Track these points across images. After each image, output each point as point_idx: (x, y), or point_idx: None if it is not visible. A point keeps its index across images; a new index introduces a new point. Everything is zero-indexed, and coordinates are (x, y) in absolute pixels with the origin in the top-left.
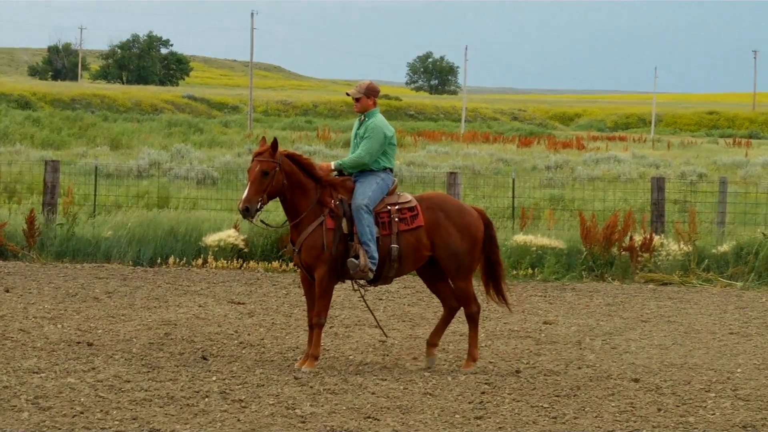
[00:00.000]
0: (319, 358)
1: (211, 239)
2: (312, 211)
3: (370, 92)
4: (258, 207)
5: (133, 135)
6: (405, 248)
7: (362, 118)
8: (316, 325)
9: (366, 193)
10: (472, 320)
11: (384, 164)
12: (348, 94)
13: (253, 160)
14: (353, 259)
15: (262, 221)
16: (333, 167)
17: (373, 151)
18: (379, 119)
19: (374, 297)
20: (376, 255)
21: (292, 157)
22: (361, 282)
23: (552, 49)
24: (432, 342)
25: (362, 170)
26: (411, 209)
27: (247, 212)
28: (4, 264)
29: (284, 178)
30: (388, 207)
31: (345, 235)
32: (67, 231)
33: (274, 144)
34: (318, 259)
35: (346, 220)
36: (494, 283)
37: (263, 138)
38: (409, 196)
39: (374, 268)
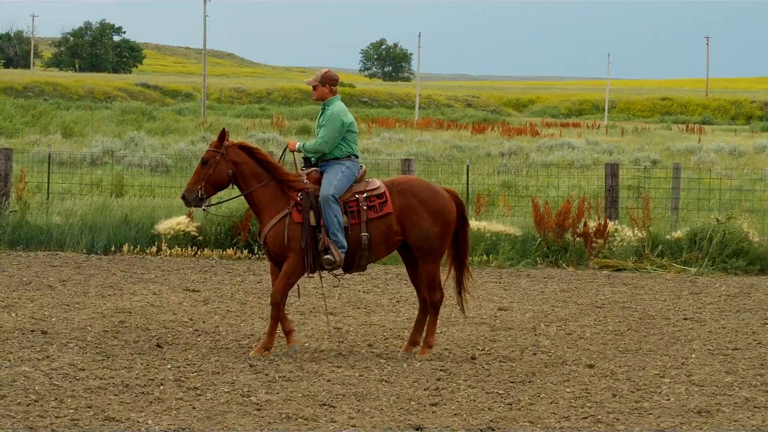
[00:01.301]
0: (269, 349)
1: (164, 227)
2: (276, 202)
3: (326, 80)
4: (199, 195)
5: (86, 123)
6: (375, 236)
7: (324, 106)
8: (273, 304)
9: (331, 183)
10: (434, 308)
11: (347, 151)
12: (305, 83)
13: None
14: (329, 256)
15: (204, 209)
16: (297, 147)
17: (328, 138)
18: (337, 107)
19: (330, 284)
20: (345, 244)
21: (246, 148)
22: (337, 271)
23: (506, 36)
24: (413, 340)
25: (327, 159)
26: (380, 196)
27: (185, 201)
28: None
29: (229, 168)
30: (356, 195)
31: (313, 227)
32: (20, 219)
33: (221, 134)
34: (285, 249)
35: (313, 212)
36: (458, 266)
37: (223, 129)
38: (377, 183)
39: (344, 253)
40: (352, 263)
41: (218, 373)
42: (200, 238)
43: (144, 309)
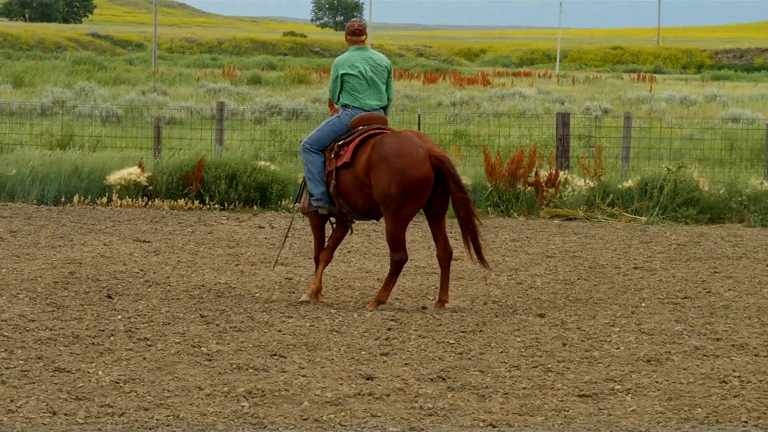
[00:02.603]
0: (320, 291)
1: (115, 177)
2: None
3: (346, 31)
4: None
5: (37, 73)
6: (341, 184)
7: None
8: (315, 259)
9: (311, 133)
10: (394, 269)
11: (343, 101)
12: None
13: None
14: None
15: None
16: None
17: (329, 87)
18: (338, 58)
19: (280, 234)
20: (318, 190)
21: None
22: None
23: None
24: (441, 299)
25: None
26: (348, 145)
27: None
28: None
29: None
30: (333, 144)
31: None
32: None
33: None
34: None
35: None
36: (472, 236)
37: None
38: (359, 136)
39: (323, 203)
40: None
41: (169, 323)
42: (151, 188)
43: (94, 260)
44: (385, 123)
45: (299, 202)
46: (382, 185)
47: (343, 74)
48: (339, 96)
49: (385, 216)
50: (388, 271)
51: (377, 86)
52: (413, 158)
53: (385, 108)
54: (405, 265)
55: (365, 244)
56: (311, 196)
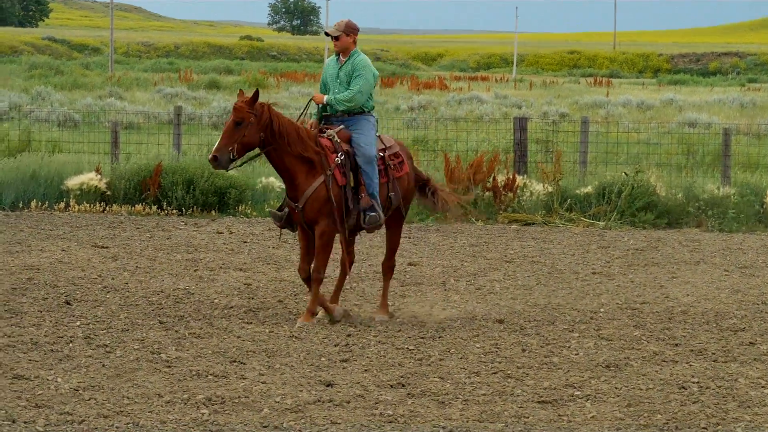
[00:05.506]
0: (315, 315)
1: (73, 182)
2: (311, 164)
3: (350, 30)
4: (230, 157)
5: None
6: (397, 195)
7: (340, 57)
8: (314, 281)
9: (371, 142)
10: (389, 273)
11: (372, 104)
12: (327, 34)
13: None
14: (374, 214)
15: (230, 169)
16: (325, 101)
17: (365, 90)
18: (366, 59)
19: (239, 240)
20: (378, 203)
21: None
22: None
23: None
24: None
25: (354, 113)
26: (396, 155)
27: (217, 162)
28: None
29: (262, 131)
30: (380, 153)
31: (352, 188)
32: None
33: (255, 94)
34: (321, 213)
35: (352, 173)
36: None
37: (240, 90)
38: (390, 140)
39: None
40: None
41: (128, 330)
42: (109, 193)
43: (52, 265)
44: None
45: (355, 221)
46: (412, 189)
47: (377, 76)
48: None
49: (399, 222)
50: (384, 281)
51: None
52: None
53: None
54: (364, 271)
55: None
56: (373, 212)
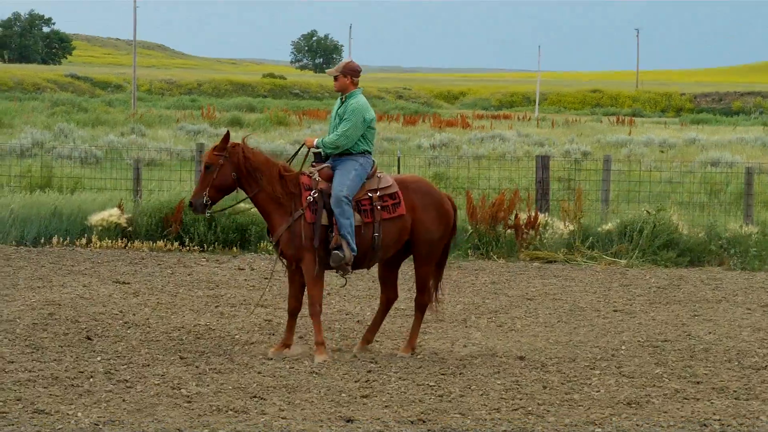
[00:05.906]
0: (325, 344)
1: (95, 219)
2: (284, 202)
3: (348, 71)
4: (204, 202)
5: (15, 114)
6: (386, 236)
7: (343, 98)
8: (312, 315)
9: (344, 182)
10: (422, 310)
11: (363, 147)
12: (327, 73)
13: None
14: (338, 252)
15: (209, 213)
16: (315, 144)
17: (350, 134)
18: (361, 101)
19: (260, 276)
20: (355, 248)
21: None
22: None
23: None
24: (367, 338)
25: (341, 154)
26: (392, 196)
27: (193, 207)
28: None
29: (235, 171)
30: (369, 194)
31: (324, 227)
32: None
33: (225, 137)
34: (300, 250)
35: (326, 211)
36: (438, 269)
37: (227, 131)
38: (390, 180)
39: (353, 256)
40: (362, 262)
41: (148, 365)
42: (130, 230)
43: (74, 301)
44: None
45: (333, 259)
46: (432, 229)
47: (370, 120)
48: (357, 142)
49: (422, 260)
50: (415, 317)
51: None
52: (448, 201)
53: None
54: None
55: (348, 287)
56: (351, 251)
